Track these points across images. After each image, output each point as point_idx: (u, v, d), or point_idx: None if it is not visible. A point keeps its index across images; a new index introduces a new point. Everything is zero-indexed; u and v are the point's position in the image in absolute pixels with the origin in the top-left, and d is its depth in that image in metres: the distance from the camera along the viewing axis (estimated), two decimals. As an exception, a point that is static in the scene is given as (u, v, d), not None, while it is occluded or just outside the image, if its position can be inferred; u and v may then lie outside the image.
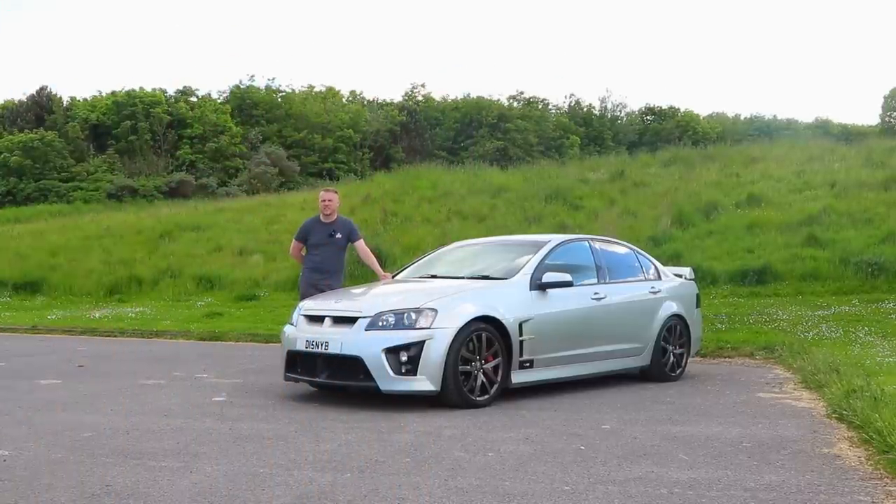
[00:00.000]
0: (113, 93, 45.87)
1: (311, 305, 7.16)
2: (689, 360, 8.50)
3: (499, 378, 6.59)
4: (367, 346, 6.32)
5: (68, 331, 13.53)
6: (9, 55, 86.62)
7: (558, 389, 7.19)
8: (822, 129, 51.83)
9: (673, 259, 14.62)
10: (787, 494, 4.08)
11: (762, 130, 50.31)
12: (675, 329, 8.21)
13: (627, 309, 7.75)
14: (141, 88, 45.63)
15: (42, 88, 45.61)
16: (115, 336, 12.86)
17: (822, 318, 11.38)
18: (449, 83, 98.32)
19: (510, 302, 6.81)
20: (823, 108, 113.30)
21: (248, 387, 7.56)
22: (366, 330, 6.42)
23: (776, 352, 9.30)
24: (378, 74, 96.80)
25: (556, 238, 7.91)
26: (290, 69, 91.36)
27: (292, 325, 7.11)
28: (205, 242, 21.77)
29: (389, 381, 6.27)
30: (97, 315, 15.15)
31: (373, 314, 6.48)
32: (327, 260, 8.45)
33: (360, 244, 8.61)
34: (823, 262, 14.73)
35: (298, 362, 6.84)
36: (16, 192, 39.51)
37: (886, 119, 51.17)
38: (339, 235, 8.47)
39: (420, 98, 53.44)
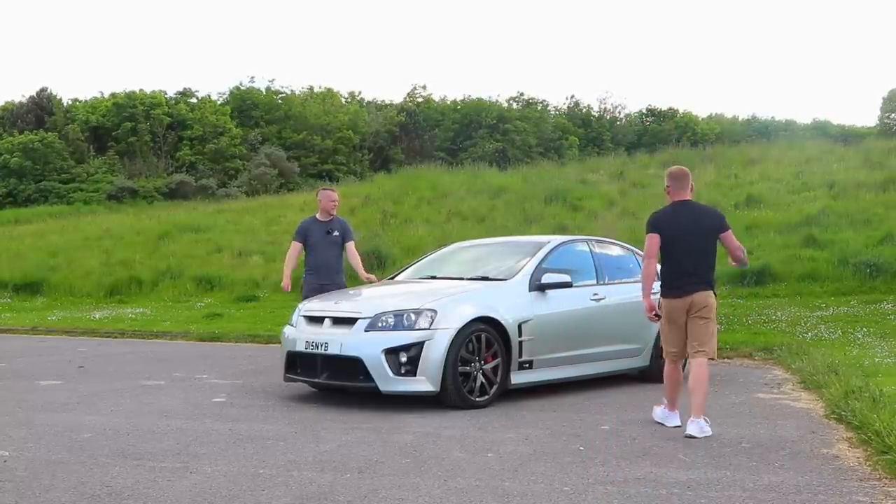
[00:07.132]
0: (113, 94, 45.83)
1: (310, 306, 7.18)
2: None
3: (498, 379, 6.60)
4: (367, 346, 6.34)
5: (68, 332, 13.53)
6: (9, 56, 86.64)
7: (558, 390, 7.21)
8: (821, 130, 51.71)
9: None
10: (786, 495, 4.09)
11: (761, 131, 50.19)
12: (675, 330, 8.20)
13: (626, 310, 7.74)
14: (141, 90, 45.59)
15: (42, 90, 45.56)
16: (116, 337, 12.86)
17: (821, 318, 11.38)
18: (448, 84, 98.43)
19: (509, 303, 6.83)
20: (822, 110, 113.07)
21: (248, 388, 7.57)
22: (365, 331, 6.44)
23: (775, 352, 9.30)
24: (377, 75, 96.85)
25: (556, 239, 7.93)
26: (289, 70, 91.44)
27: (292, 325, 7.12)
28: (205, 243, 21.76)
29: (389, 381, 6.28)
30: (97, 316, 15.15)
31: (372, 315, 6.50)
32: (329, 259, 8.39)
33: (351, 245, 8.60)
34: (822, 262, 14.73)
35: (298, 363, 6.85)
36: (16, 193, 39.46)
37: (885, 120, 51.06)
38: (336, 233, 8.47)
39: (420, 99, 53.44)
